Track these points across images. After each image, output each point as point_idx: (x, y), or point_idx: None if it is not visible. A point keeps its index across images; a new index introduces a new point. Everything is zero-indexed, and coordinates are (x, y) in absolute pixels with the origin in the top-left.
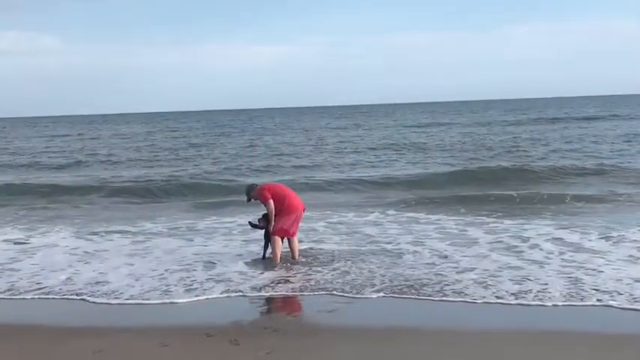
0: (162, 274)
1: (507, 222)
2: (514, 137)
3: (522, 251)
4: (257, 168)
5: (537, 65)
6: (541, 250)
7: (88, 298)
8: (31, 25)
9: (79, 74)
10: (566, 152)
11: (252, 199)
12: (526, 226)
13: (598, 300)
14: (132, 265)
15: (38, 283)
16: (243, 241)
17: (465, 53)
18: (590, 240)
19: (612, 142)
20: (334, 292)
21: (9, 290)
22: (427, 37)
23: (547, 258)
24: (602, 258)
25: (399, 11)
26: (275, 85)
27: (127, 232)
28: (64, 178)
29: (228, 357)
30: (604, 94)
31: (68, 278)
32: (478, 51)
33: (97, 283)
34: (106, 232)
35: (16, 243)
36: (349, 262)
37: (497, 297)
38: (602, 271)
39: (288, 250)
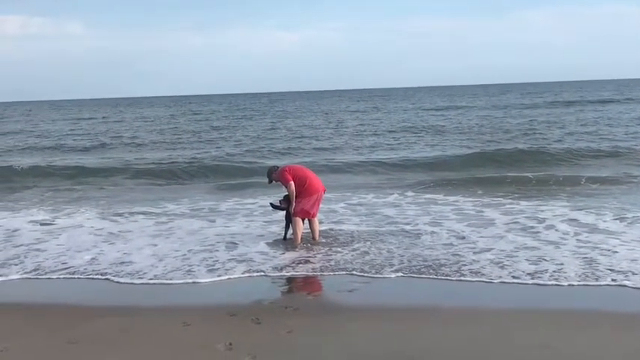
0: (185, 254)
1: (523, 203)
2: (530, 120)
3: (538, 232)
4: (278, 150)
5: (552, 49)
6: (557, 230)
7: (113, 278)
8: (55, 10)
9: (103, 59)
10: (582, 135)
11: (274, 181)
12: (542, 207)
13: (613, 280)
14: (155, 245)
15: (64, 263)
16: (265, 222)
17: (481, 37)
18: (605, 221)
19: (627, 125)
20: (354, 272)
21: (35, 270)
22: (444, 22)
23: (562, 239)
24: (617, 239)
25: None
26: (296, 69)
27: (151, 213)
28: (89, 160)
29: (250, 336)
30: (619, 78)
31: (93, 258)
32: (494, 35)
33: (122, 263)
34: (130, 213)
35: (42, 224)
36: (368, 243)
37: (514, 277)
38: (616, 252)
39: (309, 230)
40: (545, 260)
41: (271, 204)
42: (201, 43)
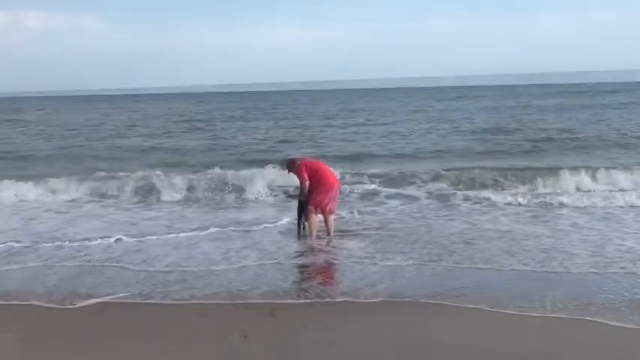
0: (199, 242)
1: (534, 192)
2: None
3: (548, 220)
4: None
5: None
6: (566, 219)
7: (128, 266)
8: (71, 5)
9: (119, 52)
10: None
11: (292, 173)
12: (553, 197)
13: (621, 268)
14: (169, 234)
15: (79, 252)
16: (279, 210)
17: (494, 38)
18: (614, 210)
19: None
20: (365, 261)
21: (51, 258)
22: (458, 21)
23: (572, 226)
24: (627, 228)
25: None
26: (310, 64)
27: (166, 202)
28: (104, 153)
29: (264, 326)
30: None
31: (108, 247)
32: (510, 34)
33: (138, 251)
34: (146, 202)
35: (57, 212)
36: (381, 231)
37: (524, 264)
38: (625, 240)
39: (324, 226)
40: (556, 248)
41: (285, 192)
42: (217, 38)
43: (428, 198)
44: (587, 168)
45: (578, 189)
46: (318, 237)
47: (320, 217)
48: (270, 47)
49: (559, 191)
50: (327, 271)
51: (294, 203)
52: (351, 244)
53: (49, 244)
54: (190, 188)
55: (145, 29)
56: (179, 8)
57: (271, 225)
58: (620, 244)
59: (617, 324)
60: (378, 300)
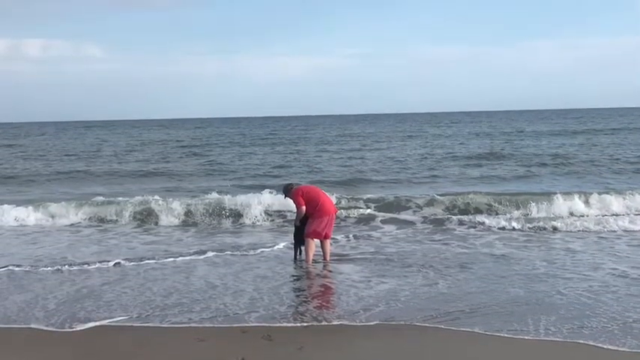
0: (196, 266)
1: (528, 217)
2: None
3: (542, 245)
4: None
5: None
6: (559, 243)
7: (126, 290)
8: (74, 34)
9: (121, 82)
10: None
11: (288, 198)
12: (546, 221)
13: (614, 291)
14: (168, 259)
15: (78, 276)
16: (276, 236)
17: (492, 66)
18: (607, 234)
19: None
20: (361, 285)
21: (50, 282)
22: (455, 51)
23: (566, 251)
24: (620, 252)
25: (429, 26)
26: (309, 93)
27: (164, 226)
28: (104, 177)
29: (262, 352)
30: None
31: (107, 271)
32: (505, 62)
33: (136, 275)
34: (144, 227)
35: (56, 237)
36: (376, 255)
37: (518, 288)
38: (618, 264)
39: (320, 250)
40: (549, 272)
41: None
42: (215, 69)
43: (423, 222)
44: (580, 193)
45: (571, 214)
46: (314, 261)
47: (317, 241)
48: (269, 79)
49: (552, 216)
50: (323, 294)
51: (291, 228)
52: (346, 268)
53: (49, 268)
54: (188, 213)
55: (145, 59)
56: (180, 38)
57: (268, 249)
58: (614, 268)
59: (610, 347)
60: (373, 323)
